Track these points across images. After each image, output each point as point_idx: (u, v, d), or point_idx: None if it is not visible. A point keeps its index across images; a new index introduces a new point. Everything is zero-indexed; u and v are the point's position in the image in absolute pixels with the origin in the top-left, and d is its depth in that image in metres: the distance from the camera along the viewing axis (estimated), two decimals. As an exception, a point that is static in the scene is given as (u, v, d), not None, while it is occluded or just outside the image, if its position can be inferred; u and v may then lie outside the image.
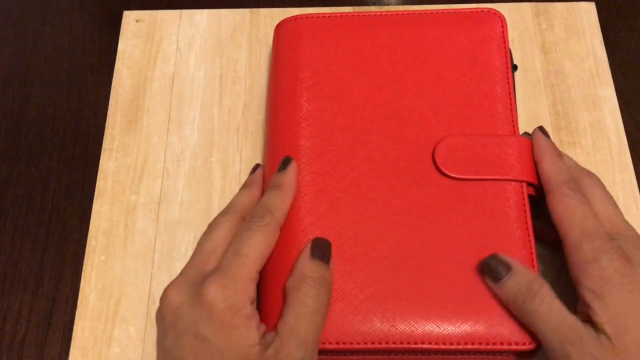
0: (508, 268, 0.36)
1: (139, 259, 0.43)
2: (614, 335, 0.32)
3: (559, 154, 0.41)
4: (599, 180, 0.40)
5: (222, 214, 0.40)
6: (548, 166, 0.40)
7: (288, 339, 0.33)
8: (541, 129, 0.42)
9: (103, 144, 0.48)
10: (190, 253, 0.43)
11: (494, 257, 0.37)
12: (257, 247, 0.36)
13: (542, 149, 0.40)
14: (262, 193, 0.41)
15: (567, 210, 0.37)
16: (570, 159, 0.42)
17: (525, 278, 0.35)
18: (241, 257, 0.35)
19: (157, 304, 0.41)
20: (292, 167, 0.40)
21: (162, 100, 0.49)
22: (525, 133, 0.43)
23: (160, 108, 0.49)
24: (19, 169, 0.48)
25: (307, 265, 0.36)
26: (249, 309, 0.34)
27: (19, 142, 0.49)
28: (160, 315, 0.36)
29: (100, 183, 0.46)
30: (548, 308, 0.34)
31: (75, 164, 0.48)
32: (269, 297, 0.37)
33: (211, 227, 0.39)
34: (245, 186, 0.43)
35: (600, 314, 0.33)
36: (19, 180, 0.47)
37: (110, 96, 0.49)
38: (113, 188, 0.46)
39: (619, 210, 0.39)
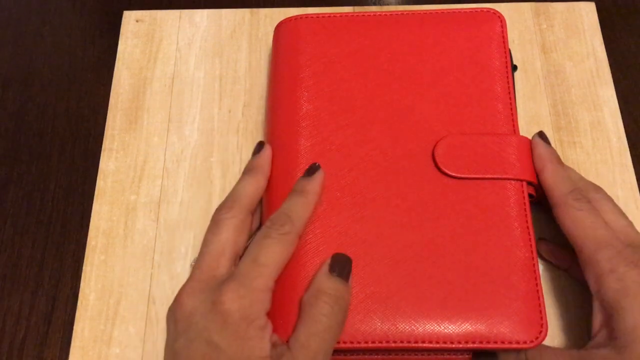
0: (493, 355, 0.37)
1: (139, 259, 0.43)
2: (627, 345, 0.32)
3: (560, 162, 0.40)
4: (606, 194, 0.39)
5: (227, 207, 0.38)
6: (550, 177, 0.39)
7: (298, 355, 0.33)
8: (540, 135, 0.41)
9: (103, 144, 0.47)
10: (190, 253, 0.43)
11: None
12: (275, 257, 0.35)
13: (542, 158, 0.40)
14: (268, 180, 0.40)
15: (576, 223, 0.36)
16: (574, 171, 0.41)
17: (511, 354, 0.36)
18: (260, 267, 0.34)
19: (157, 304, 0.42)
20: (319, 175, 0.39)
21: (162, 100, 0.49)
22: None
23: (160, 108, 0.49)
24: (19, 169, 0.48)
25: (324, 281, 0.35)
26: (263, 320, 0.34)
27: (19, 142, 0.49)
28: (173, 319, 0.35)
29: (100, 183, 0.46)
30: None
31: (75, 164, 0.48)
32: (276, 305, 0.37)
33: (217, 223, 0.37)
34: (249, 171, 0.41)
35: (620, 327, 0.33)
36: (19, 180, 0.47)
37: (110, 96, 0.49)
38: (113, 188, 0.46)
39: (631, 222, 0.38)
